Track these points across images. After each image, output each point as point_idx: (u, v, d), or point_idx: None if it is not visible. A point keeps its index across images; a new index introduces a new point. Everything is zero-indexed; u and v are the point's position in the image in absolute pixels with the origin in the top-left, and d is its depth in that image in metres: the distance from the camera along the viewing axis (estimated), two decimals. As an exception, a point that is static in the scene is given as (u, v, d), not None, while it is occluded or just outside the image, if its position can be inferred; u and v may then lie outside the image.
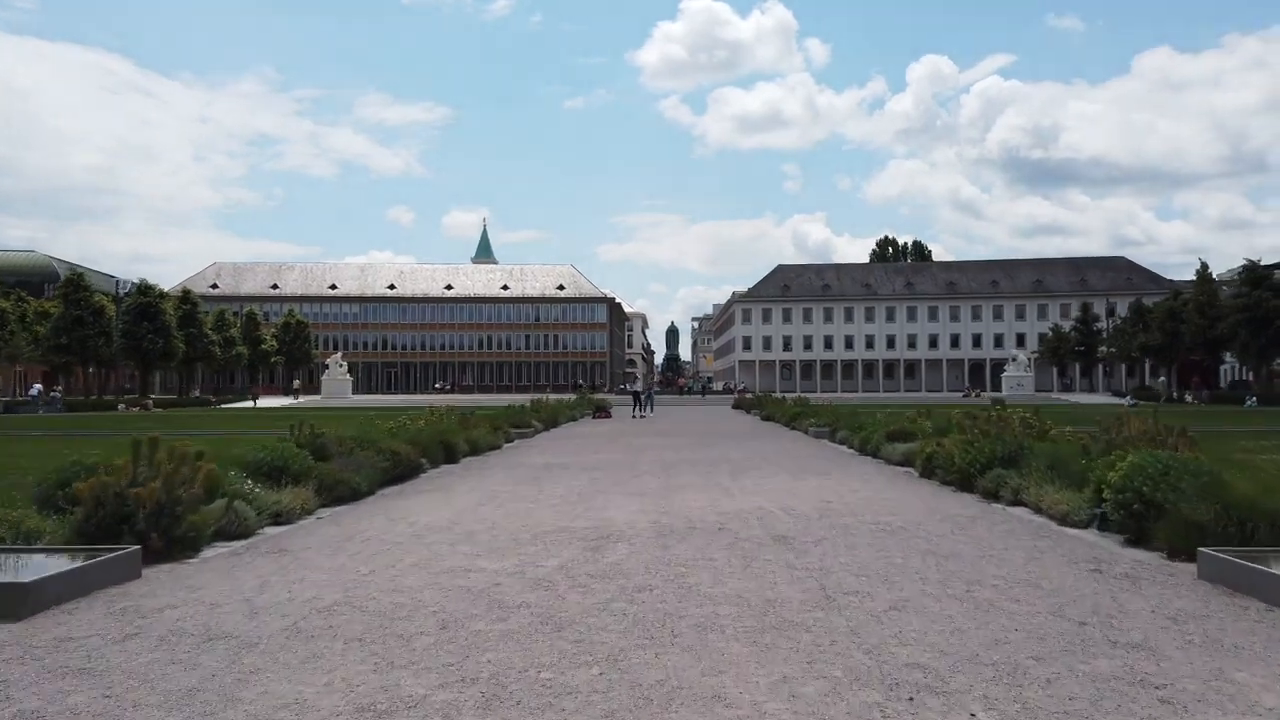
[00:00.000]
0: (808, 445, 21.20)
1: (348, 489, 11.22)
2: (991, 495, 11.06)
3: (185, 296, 73.76)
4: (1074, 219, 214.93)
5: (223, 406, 60.65)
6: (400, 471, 13.22)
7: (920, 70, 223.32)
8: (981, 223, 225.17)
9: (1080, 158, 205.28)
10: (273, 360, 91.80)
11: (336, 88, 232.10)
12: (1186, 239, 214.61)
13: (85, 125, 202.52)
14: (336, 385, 72.73)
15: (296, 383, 78.40)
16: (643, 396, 43.99)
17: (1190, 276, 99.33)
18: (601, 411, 40.52)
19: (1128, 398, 55.92)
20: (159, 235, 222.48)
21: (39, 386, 54.80)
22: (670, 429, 28.83)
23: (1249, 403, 49.41)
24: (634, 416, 38.56)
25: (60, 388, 60.92)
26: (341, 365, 75.72)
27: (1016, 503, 10.42)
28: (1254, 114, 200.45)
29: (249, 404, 63.57)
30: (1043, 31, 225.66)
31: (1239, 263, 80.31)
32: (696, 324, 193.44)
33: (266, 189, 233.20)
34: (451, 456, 16.48)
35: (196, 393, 72.97)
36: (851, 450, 18.88)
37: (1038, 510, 9.75)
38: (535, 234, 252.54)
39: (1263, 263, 63.94)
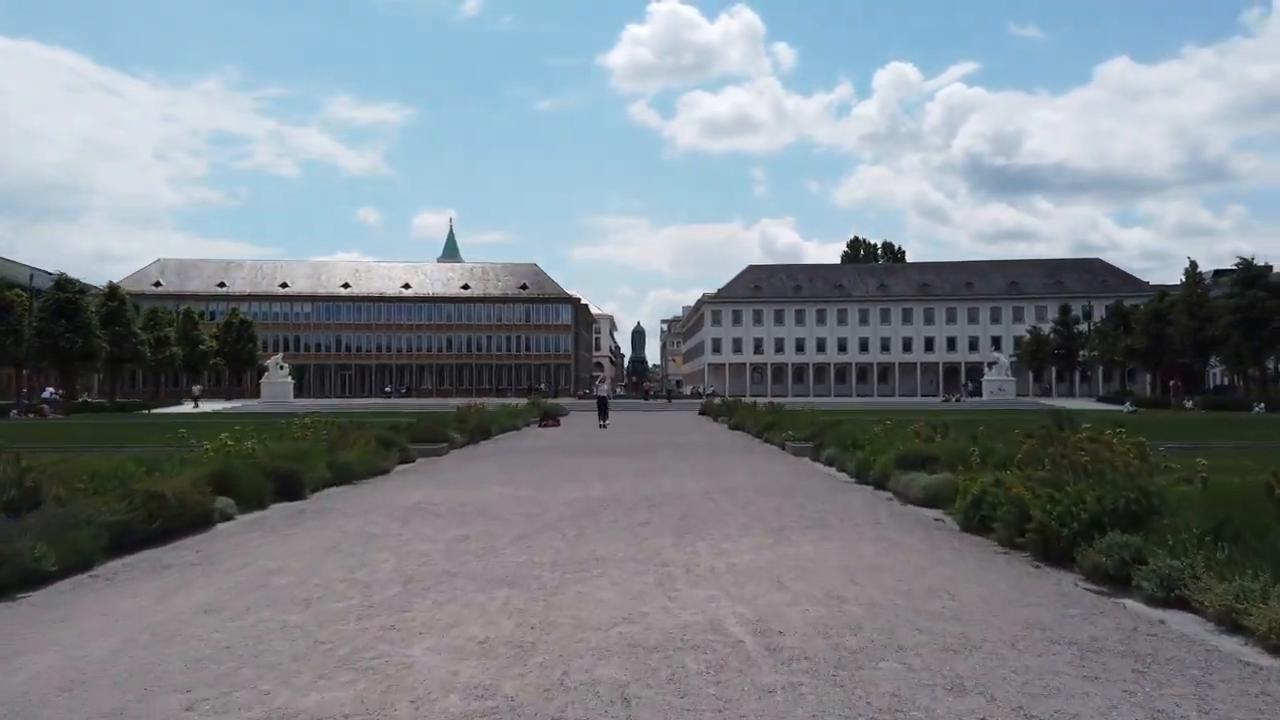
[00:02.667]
0: (787, 467, 16.65)
1: (14, 571, 6.52)
2: (1105, 578, 6.59)
3: (112, 293, 67.87)
4: (1038, 225, 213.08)
5: (141, 412, 54.91)
6: (161, 527, 8.45)
7: (886, 77, 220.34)
8: (947, 228, 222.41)
9: (1043, 165, 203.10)
10: (213, 361, 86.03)
11: (303, 87, 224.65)
12: (1146, 245, 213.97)
13: (49, 123, 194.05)
14: (276, 388, 67.27)
15: (197, 388, 71.14)
16: (608, 402, 37.26)
17: (1155, 281, 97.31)
18: (549, 419, 35.75)
19: (1126, 404, 51.93)
20: (124, 234, 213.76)
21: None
22: (617, 444, 24.10)
23: (1256, 409, 45.58)
24: (601, 425, 32.99)
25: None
26: (282, 367, 70.09)
27: (1168, 601, 5.94)
28: (1210, 123, 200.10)
29: (144, 411, 57.13)
30: (1005, 40, 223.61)
31: (1206, 268, 77.44)
32: (665, 326, 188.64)
33: (231, 189, 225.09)
34: (293, 491, 11.76)
35: (87, 397, 65.74)
36: (846, 477, 14.37)
37: (1229, 625, 5.28)
38: (504, 236, 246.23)
39: (1257, 262, 60.48)
